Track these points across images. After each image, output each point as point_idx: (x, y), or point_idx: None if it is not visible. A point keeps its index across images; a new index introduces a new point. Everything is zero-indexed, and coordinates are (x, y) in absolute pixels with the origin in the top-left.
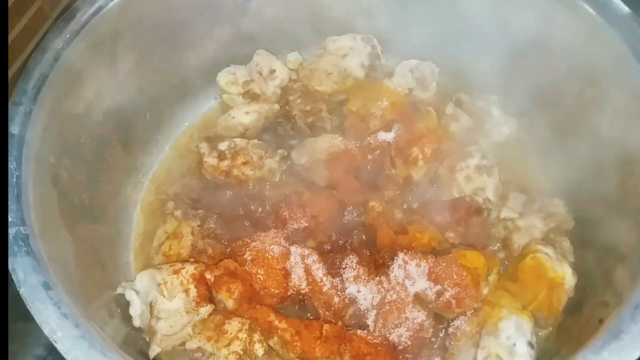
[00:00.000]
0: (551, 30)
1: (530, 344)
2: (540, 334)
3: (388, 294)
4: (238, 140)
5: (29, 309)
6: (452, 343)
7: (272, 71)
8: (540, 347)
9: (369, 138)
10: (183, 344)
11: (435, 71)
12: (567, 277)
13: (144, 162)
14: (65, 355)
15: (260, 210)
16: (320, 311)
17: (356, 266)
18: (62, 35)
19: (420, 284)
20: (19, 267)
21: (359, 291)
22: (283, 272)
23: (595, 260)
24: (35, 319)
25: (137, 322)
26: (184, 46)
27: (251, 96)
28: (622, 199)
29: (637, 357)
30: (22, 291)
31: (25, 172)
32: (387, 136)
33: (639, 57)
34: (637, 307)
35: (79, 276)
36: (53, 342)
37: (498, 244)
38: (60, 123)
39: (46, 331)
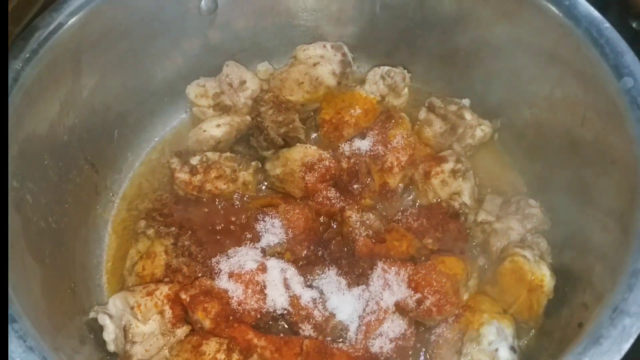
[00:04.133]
0: (520, 32)
1: (512, 349)
2: (522, 337)
3: (368, 304)
4: (210, 154)
5: None
6: (435, 351)
7: (243, 82)
8: (523, 351)
9: (343, 146)
10: None
11: (406, 77)
12: (545, 278)
13: (113, 180)
14: None
15: (235, 224)
16: (301, 326)
17: (335, 277)
18: (22, 55)
19: (400, 292)
20: None
21: (339, 303)
22: (260, 287)
23: (573, 261)
24: None
25: (111, 347)
26: (151, 60)
27: (222, 108)
28: (598, 199)
29: None
30: None
31: None
32: (361, 144)
33: (606, 58)
34: (616, 311)
35: (47, 304)
36: None
37: (477, 248)
38: (22, 145)
39: None
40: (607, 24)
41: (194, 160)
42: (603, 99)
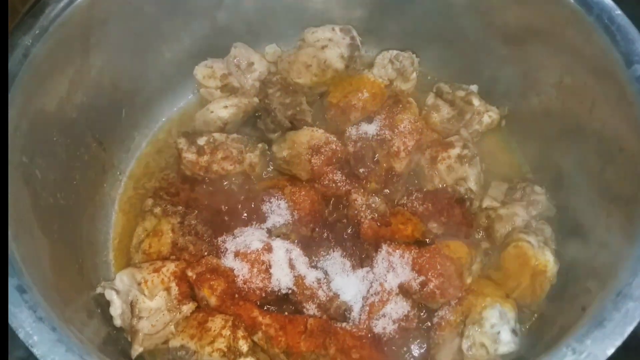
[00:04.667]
0: (530, 18)
1: (514, 332)
2: (524, 321)
3: (372, 286)
4: (217, 135)
5: None
6: (437, 333)
7: (251, 64)
8: (524, 334)
9: (350, 130)
10: (166, 342)
11: (415, 61)
12: (549, 264)
13: (121, 158)
14: None
15: (241, 205)
16: (305, 305)
17: (340, 259)
18: (31, 31)
19: (404, 275)
20: None
21: (343, 284)
22: (266, 267)
23: (577, 247)
24: (10, 323)
25: (118, 322)
26: (159, 39)
27: (229, 90)
28: (603, 186)
29: (619, 344)
30: None
31: None
32: (368, 128)
33: (617, 45)
34: (619, 295)
35: (55, 277)
36: (29, 347)
37: (481, 233)
38: (32, 121)
39: (21, 336)
40: (619, 11)
41: (201, 141)
42: (612, 87)
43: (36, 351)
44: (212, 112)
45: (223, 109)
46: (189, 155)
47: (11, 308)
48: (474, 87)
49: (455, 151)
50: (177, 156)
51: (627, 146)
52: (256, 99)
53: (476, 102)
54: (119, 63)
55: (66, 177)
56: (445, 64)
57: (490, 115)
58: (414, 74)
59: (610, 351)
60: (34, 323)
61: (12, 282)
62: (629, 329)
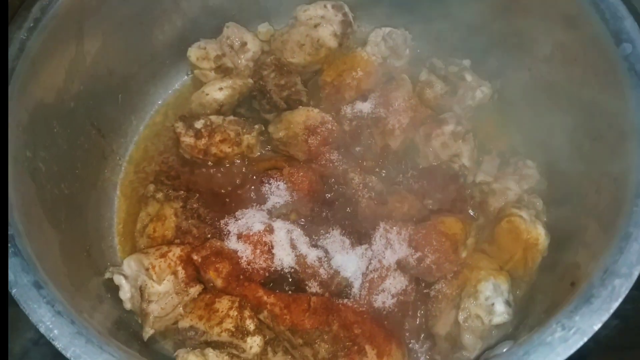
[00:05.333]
0: None
1: (507, 303)
2: (517, 292)
3: (371, 263)
4: (214, 118)
5: (23, 310)
6: (434, 306)
7: (244, 44)
8: (518, 305)
9: (345, 108)
10: (175, 323)
11: (408, 38)
12: (540, 238)
13: (120, 144)
14: (64, 353)
15: (241, 187)
16: (307, 283)
17: (339, 237)
18: (26, 24)
19: (402, 251)
20: (9, 269)
21: (343, 261)
22: (268, 247)
23: (568, 220)
24: (30, 318)
25: (128, 306)
26: (151, 23)
27: (223, 71)
28: (593, 161)
29: (605, 319)
30: (14, 292)
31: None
32: (363, 106)
33: (606, 22)
34: (607, 272)
35: (66, 267)
36: (50, 340)
37: (475, 208)
38: (32, 115)
39: (42, 330)
40: None
41: (199, 124)
42: (602, 64)
43: (57, 344)
44: (207, 94)
45: (218, 91)
46: (187, 139)
47: (30, 304)
48: (466, 62)
49: (449, 128)
50: (175, 139)
51: (615, 123)
52: (251, 80)
53: (469, 77)
54: (113, 49)
55: (69, 167)
56: (438, 38)
57: (482, 90)
58: (407, 51)
59: (597, 326)
60: (53, 317)
61: (28, 279)
62: (615, 305)
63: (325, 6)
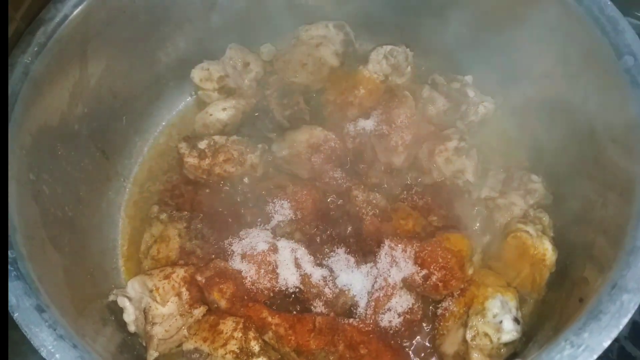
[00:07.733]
0: (522, 9)
1: (516, 320)
2: (525, 309)
3: (377, 281)
4: (217, 138)
5: (25, 334)
6: (441, 324)
7: (246, 64)
8: (526, 322)
9: (348, 126)
10: (180, 345)
11: (409, 55)
12: (547, 253)
13: (124, 165)
14: None
15: (245, 206)
16: (313, 303)
17: (344, 256)
18: (30, 48)
19: (407, 269)
20: (11, 292)
21: (348, 280)
22: (272, 267)
23: (575, 235)
24: (32, 343)
25: (132, 328)
26: (154, 45)
27: (227, 91)
28: (598, 175)
29: (615, 336)
30: (16, 316)
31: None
32: (366, 124)
33: (607, 35)
34: (615, 287)
35: (70, 290)
36: None
37: (481, 224)
38: (36, 138)
39: (44, 354)
40: (608, 2)
41: (202, 145)
42: (604, 77)
43: None
44: (211, 114)
45: (222, 112)
46: (191, 160)
47: (32, 328)
48: (468, 78)
49: (452, 144)
50: (179, 160)
51: (619, 137)
52: (254, 100)
53: (471, 93)
54: (117, 71)
55: (72, 190)
56: (439, 55)
57: (485, 106)
58: (409, 68)
59: (607, 343)
60: (55, 341)
61: (30, 303)
62: (624, 321)
63: (326, 26)
